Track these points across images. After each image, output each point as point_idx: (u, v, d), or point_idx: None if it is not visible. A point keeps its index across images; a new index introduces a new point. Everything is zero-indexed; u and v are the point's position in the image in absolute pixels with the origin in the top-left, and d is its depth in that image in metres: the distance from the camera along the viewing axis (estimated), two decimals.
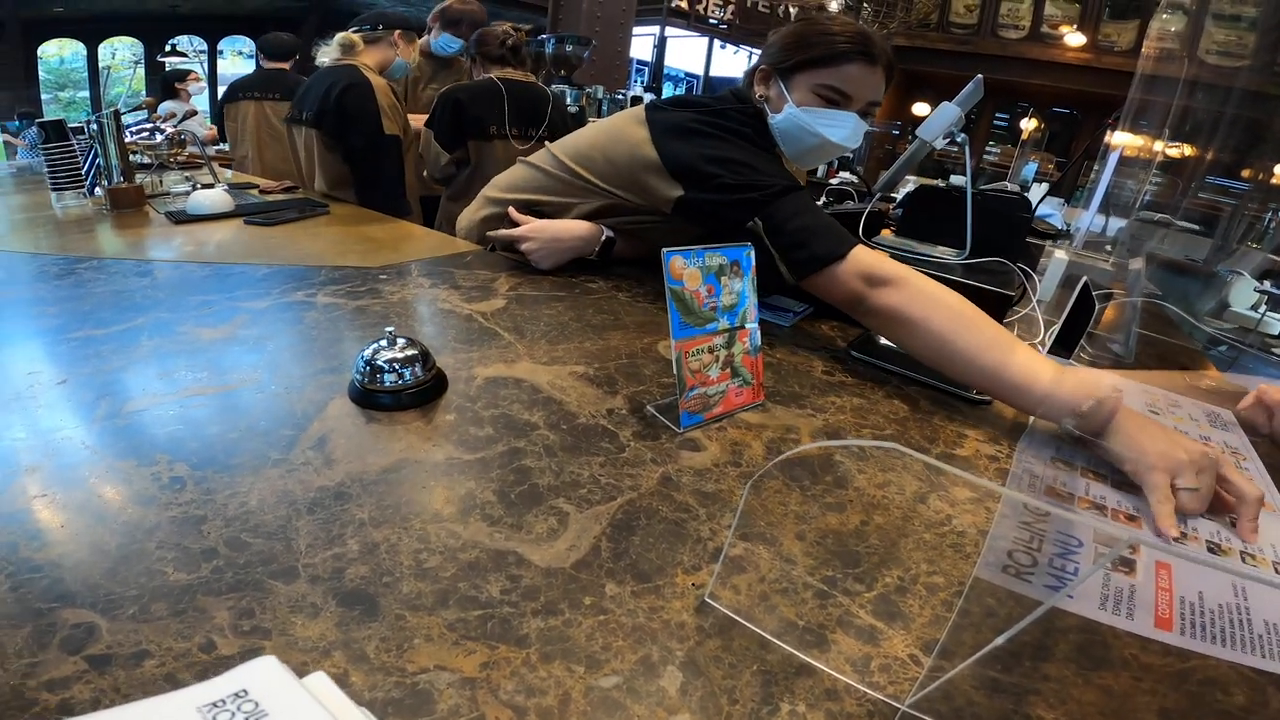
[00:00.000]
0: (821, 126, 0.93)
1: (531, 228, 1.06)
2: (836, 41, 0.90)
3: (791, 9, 6.83)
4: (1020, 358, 0.70)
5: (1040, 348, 0.98)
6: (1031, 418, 0.72)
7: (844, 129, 0.94)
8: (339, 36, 1.71)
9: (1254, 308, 1.78)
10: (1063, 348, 0.88)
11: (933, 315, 0.75)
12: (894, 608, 0.44)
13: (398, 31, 1.75)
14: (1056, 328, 0.79)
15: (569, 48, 3.32)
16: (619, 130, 1.01)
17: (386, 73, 1.80)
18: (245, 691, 0.27)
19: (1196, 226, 3.26)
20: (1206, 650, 0.42)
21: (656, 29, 7.25)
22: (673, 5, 7.53)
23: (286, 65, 2.70)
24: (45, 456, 0.51)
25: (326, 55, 1.72)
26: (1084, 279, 0.90)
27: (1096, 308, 0.92)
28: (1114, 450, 0.62)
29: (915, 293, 0.77)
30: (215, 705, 0.26)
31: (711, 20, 8.20)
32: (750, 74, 1.01)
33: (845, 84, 0.92)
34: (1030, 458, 0.65)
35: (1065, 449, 0.66)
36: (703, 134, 0.93)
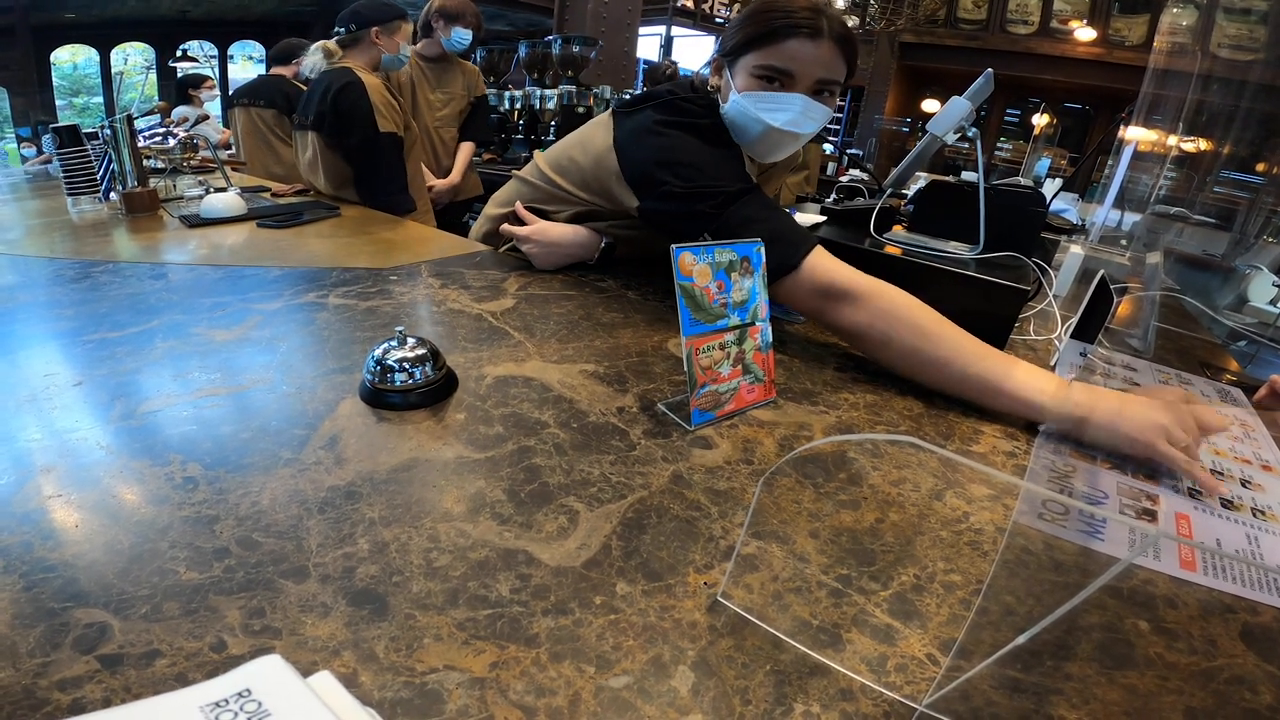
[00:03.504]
0: (762, 111, 0.86)
1: (534, 230, 1.06)
2: (774, 17, 0.83)
3: None
4: (1020, 371, 0.69)
5: (1058, 342, 0.96)
6: None
7: (788, 112, 0.86)
8: (316, 45, 1.71)
9: (1273, 302, 1.75)
10: (1081, 341, 0.87)
11: (894, 334, 0.74)
12: (910, 606, 0.43)
13: (374, 29, 1.74)
14: (1074, 321, 0.78)
15: (575, 48, 3.32)
16: (589, 137, 1.01)
17: (381, 69, 1.80)
18: (249, 691, 0.26)
19: (1213, 220, 3.22)
20: (1229, 589, 0.47)
21: (663, 29, 7.25)
22: (678, 5, 7.52)
23: (287, 71, 2.71)
24: (61, 457, 0.51)
25: (311, 65, 1.73)
26: (1101, 272, 0.89)
27: (1114, 300, 0.91)
28: (1109, 443, 0.63)
29: (876, 311, 0.76)
30: (218, 705, 0.26)
31: (718, 19, 8.18)
32: (709, 67, 0.97)
33: (786, 62, 0.84)
34: (1049, 452, 0.64)
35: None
36: (658, 135, 0.89)
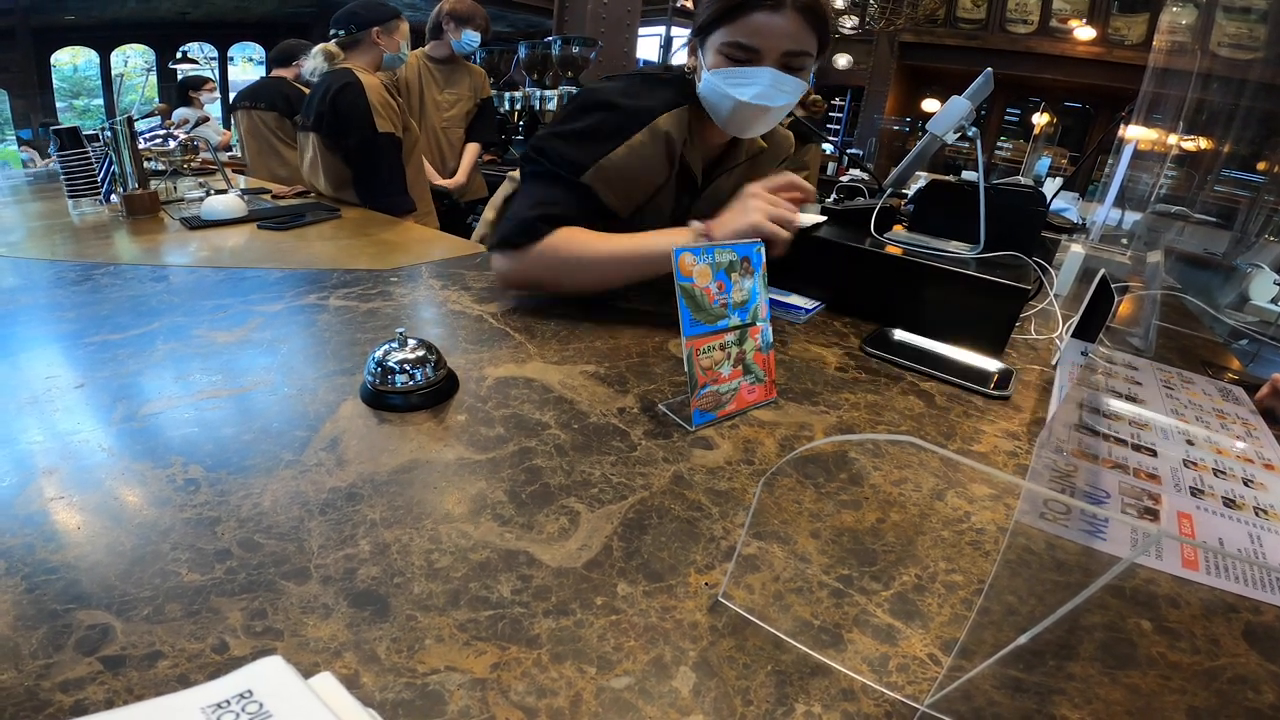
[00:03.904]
0: (730, 87, 0.87)
1: None
2: None
3: None
4: (656, 238, 0.86)
5: (1059, 341, 0.96)
6: (1051, 413, 0.72)
7: (755, 86, 0.86)
8: (317, 48, 1.72)
9: (1274, 300, 1.75)
10: (1082, 340, 0.87)
11: (562, 274, 0.90)
12: (912, 606, 0.43)
13: (375, 29, 1.75)
14: (1075, 320, 0.78)
15: (575, 49, 3.32)
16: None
17: (383, 68, 1.80)
18: (250, 692, 0.27)
19: (1214, 219, 3.22)
20: (1231, 588, 0.47)
21: (662, 29, 7.24)
22: (678, 5, 7.52)
23: (288, 73, 2.72)
24: (63, 459, 0.51)
25: (312, 68, 1.73)
26: (1102, 271, 0.89)
27: (1115, 299, 0.90)
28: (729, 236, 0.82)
29: (545, 266, 0.90)
30: (220, 706, 0.26)
31: None
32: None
33: (750, 37, 0.84)
34: (1050, 451, 0.64)
35: (1087, 441, 0.66)
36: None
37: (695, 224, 0.86)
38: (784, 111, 0.92)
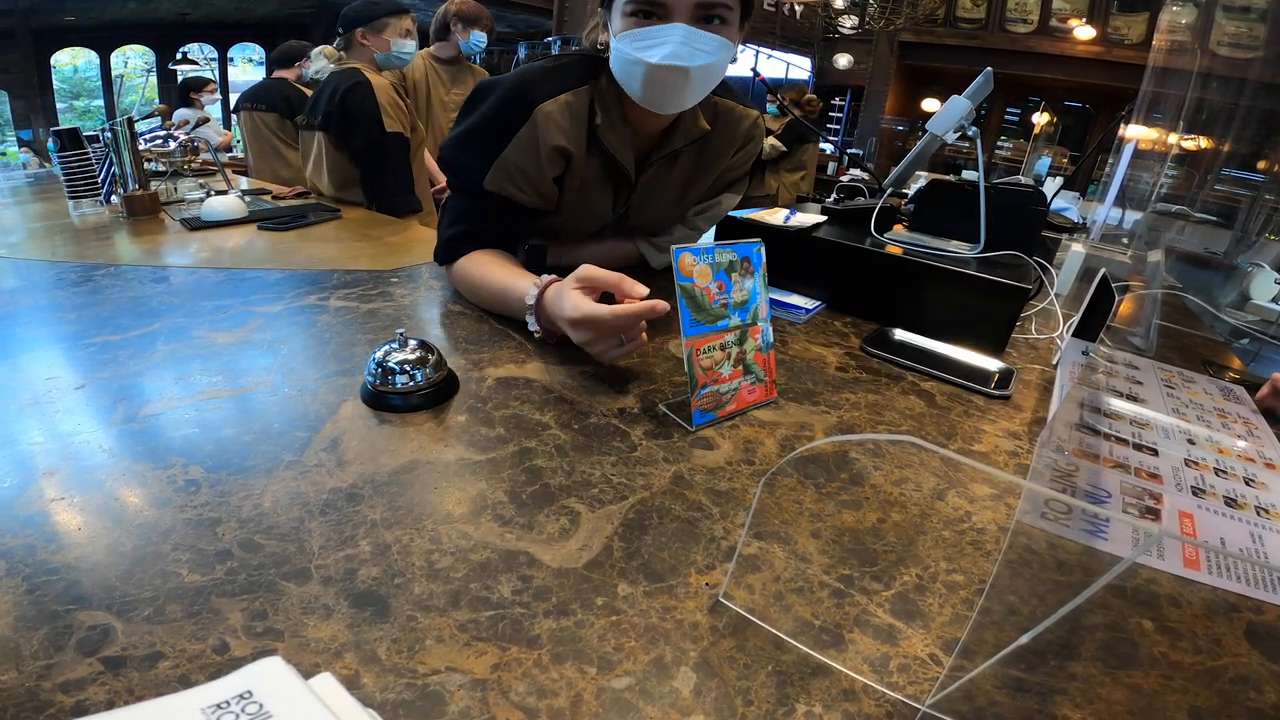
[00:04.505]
0: (638, 50, 0.76)
1: None
2: None
3: (797, 7, 6.80)
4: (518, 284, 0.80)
5: (1060, 341, 0.96)
6: (1052, 413, 0.72)
7: (666, 45, 0.75)
8: (318, 50, 1.74)
9: (1275, 299, 1.75)
10: (1083, 339, 0.87)
11: (464, 292, 0.93)
12: (913, 606, 0.43)
13: (358, 30, 1.74)
14: (1076, 319, 0.78)
15: (574, 49, 3.32)
16: None
17: (382, 68, 1.81)
18: (250, 693, 0.26)
19: (1214, 218, 3.22)
20: (1233, 588, 0.47)
21: None
22: None
23: (290, 73, 2.72)
24: (63, 460, 0.51)
25: (318, 69, 1.74)
26: (1102, 270, 0.89)
27: (1116, 299, 0.90)
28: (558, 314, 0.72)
29: (454, 284, 0.95)
30: (220, 706, 0.26)
31: None
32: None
33: None
34: (1051, 451, 0.64)
35: (1088, 440, 0.66)
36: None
37: (542, 279, 0.76)
38: (709, 76, 0.80)
